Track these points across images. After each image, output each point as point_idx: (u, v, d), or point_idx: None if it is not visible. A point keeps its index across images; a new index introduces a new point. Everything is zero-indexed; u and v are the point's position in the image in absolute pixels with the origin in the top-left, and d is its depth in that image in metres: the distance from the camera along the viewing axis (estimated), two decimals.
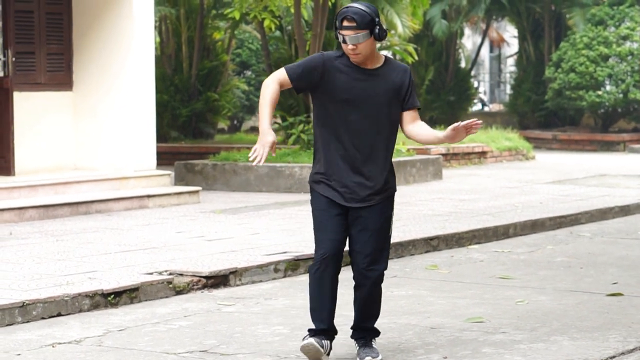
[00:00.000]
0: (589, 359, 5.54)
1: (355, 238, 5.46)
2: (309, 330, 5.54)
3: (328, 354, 5.52)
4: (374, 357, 5.46)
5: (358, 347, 5.55)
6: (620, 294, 7.30)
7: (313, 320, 5.52)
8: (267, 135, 5.27)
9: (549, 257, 9.03)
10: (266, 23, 16.52)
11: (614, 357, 5.62)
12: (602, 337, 6.01)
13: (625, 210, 11.97)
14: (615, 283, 7.73)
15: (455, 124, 5.32)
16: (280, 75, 5.41)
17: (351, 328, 5.66)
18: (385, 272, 5.55)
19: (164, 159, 15.06)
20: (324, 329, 5.48)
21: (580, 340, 5.96)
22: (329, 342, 5.51)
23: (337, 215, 5.41)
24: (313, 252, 8.54)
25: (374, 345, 5.57)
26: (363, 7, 5.31)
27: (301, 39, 15.27)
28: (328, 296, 5.45)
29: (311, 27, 15.27)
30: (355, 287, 5.57)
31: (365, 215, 5.43)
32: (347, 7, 5.33)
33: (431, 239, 9.48)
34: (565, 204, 12.03)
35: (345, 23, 5.29)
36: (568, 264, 8.64)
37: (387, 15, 17.77)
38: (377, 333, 5.63)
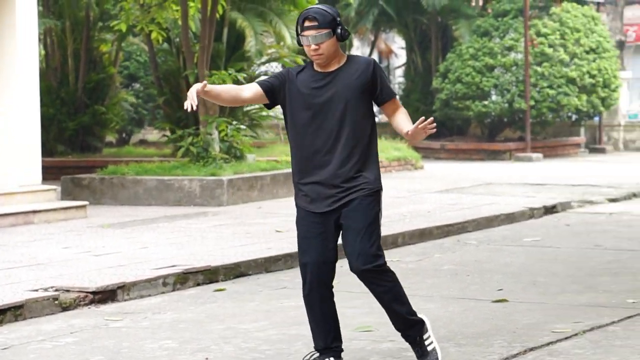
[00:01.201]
0: None
1: (344, 240, 5.46)
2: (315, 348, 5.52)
3: None
4: None
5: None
6: (505, 300, 7.43)
7: (313, 338, 5.51)
8: (195, 85, 5.29)
9: (436, 266, 9.14)
10: (154, 35, 16.43)
11: None
12: (487, 343, 6.11)
13: (510, 218, 12.20)
14: (500, 289, 7.87)
15: (414, 125, 5.32)
16: (252, 85, 5.45)
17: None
18: (384, 265, 5.63)
19: (50, 173, 14.79)
20: (323, 348, 5.47)
21: (466, 346, 6.05)
22: (332, 358, 5.48)
23: (319, 234, 5.39)
24: (202, 264, 8.60)
25: (427, 347, 5.52)
26: (324, 7, 5.36)
27: (189, 51, 15.21)
28: (319, 319, 5.45)
29: (199, 40, 15.21)
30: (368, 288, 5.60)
31: (349, 215, 5.42)
32: (308, 9, 5.36)
33: None
34: (452, 212, 12.21)
35: (306, 23, 5.30)
36: (455, 272, 8.77)
37: (275, 27, 17.84)
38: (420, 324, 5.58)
